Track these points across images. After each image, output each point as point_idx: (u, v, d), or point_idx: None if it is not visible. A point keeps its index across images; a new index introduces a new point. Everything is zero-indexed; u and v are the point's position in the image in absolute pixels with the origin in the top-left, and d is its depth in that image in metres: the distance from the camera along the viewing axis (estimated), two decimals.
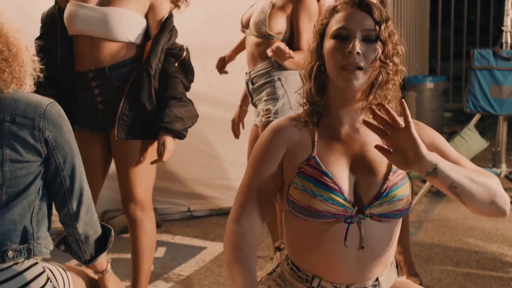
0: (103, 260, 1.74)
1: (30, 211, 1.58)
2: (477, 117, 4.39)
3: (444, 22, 8.34)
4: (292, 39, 2.58)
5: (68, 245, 1.69)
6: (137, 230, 2.34)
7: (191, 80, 2.37)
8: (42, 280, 1.58)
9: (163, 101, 2.25)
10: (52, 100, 1.61)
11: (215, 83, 3.82)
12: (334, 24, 1.46)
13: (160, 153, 2.22)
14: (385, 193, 1.42)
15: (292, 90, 2.55)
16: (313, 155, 1.45)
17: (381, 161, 1.45)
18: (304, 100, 1.53)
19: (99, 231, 1.71)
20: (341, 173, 1.44)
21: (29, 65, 1.59)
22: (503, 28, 4.28)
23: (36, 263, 1.58)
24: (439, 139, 1.51)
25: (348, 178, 1.44)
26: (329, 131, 1.49)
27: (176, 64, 2.28)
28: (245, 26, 2.72)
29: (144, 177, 2.32)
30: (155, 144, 2.29)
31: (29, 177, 1.56)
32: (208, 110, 3.81)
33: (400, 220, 1.50)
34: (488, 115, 4.54)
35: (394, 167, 1.44)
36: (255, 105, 2.69)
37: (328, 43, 1.46)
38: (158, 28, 2.27)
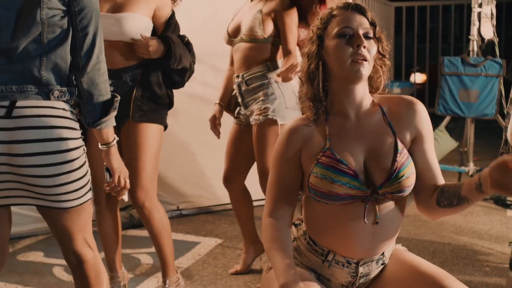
0: (109, 131, 1.81)
1: (68, 58, 1.70)
2: (447, 119, 4.68)
3: (408, 30, 8.69)
4: (277, 39, 2.77)
5: (80, 107, 1.77)
6: (148, 219, 2.49)
7: (194, 62, 2.54)
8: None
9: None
10: None
11: (198, 86, 3.98)
12: (336, 26, 1.64)
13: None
14: (395, 173, 1.60)
15: (286, 91, 2.77)
16: (327, 147, 1.63)
17: (387, 145, 1.63)
18: (308, 102, 1.69)
19: (106, 96, 1.77)
20: (354, 159, 1.62)
21: None
22: (470, 37, 4.57)
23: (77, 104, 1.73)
24: (429, 135, 1.70)
25: (360, 162, 1.63)
26: (338, 124, 1.67)
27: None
28: (232, 36, 2.88)
29: (148, 165, 2.44)
30: (161, 134, 2.47)
31: (60, 24, 1.68)
32: (194, 111, 3.98)
33: (407, 196, 1.70)
34: (457, 117, 4.75)
35: (400, 148, 1.62)
36: (246, 106, 2.85)
37: (333, 42, 1.63)
38: (163, 27, 2.45)
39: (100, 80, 1.75)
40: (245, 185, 3.07)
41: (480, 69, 4.47)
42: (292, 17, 2.74)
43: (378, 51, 1.67)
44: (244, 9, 2.89)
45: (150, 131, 2.44)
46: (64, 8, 1.68)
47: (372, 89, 1.72)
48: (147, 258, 3.31)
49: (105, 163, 1.88)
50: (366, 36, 1.64)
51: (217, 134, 3.02)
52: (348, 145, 1.64)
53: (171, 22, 2.49)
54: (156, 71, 2.43)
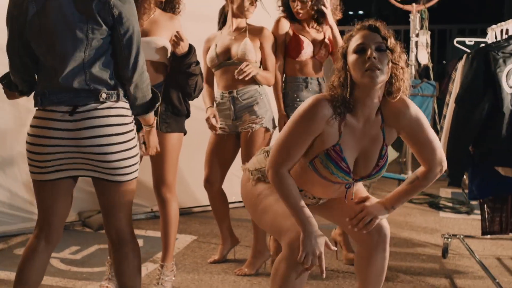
0: (150, 116, 2.33)
1: (110, 68, 2.10)
2: None
3: None
4: (260, 64, 3.34)
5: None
6: (167, 208, 2.97)
7: (203, 79, 3.03)
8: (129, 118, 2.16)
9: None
10: None
11: None
12: (353, 44, 2.01)
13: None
14: (374, 173, 2.14)
15: (269, 104, 3.34)
16: (339, 143, 2.03)
17: (376, 150, 2.10)
18: (338, 101, 2.02)
19: (148, 96, 2.20)
20: (352, 158, 2.09)
21: None
22: (408, 62, 5.19)
23: (115, 107, 2.11)
24: (417, 128, 2.10)
25: (354, 160, 2.10)
26: (350, 125, 2.04)
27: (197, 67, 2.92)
28: (221, 59, 3.33)
29: (171, 165, 2.94)
30: (181, 139, 2.94)
31: (103, 43, 2.07)
32: None
33: None
34: None
35: (383, 153, 2.08)
36: (236, 116, 3.32)
37: (351, 57, 2.00)
38: None
39: (143, 85, 2.17)
40: (222, 188, 3.53)
41: (417, 90, 5.10)
42: (271, 45, 3.33)
43: (391, 60, 1.99)
44: (225, 37, 3.37)
45: (173, 139, 2.91)
46: (109, 30, 2.10)
47: (393, 93, 2.03)
48: None
49: (143, 138, 2.47)
50: (379, 49, 1.97)
51: (216, 129, 3.38)
52: (352, 145, 2.08)
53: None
54: (175, 88, 2.87)
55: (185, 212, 4.65)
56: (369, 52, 1.96)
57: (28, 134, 2.15)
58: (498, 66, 3.08)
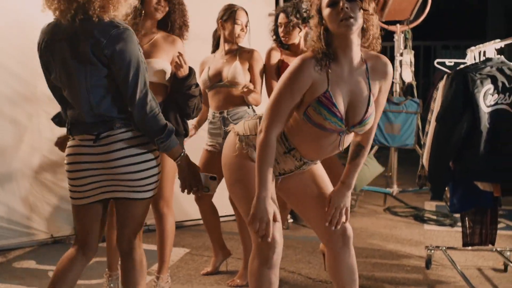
0: (173, 151, 2.32)
1: (119, 102, 2.24)
2: (375, 148, 5.46)
3: None
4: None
5: None
6: (164, 222, 3.11)
7: (202, 101, 3.16)
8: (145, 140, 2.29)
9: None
10: (124, 27, 2.20)
11: None
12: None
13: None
14: (364, 120, 2.27)
15: None
16: (328, 90, 2.18)
17: (364, 98, 2.24)
18: (320, 53, 2.19)
19: (156, 128, 2.23)
20: (342, 106, 2.24)
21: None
22: (393, 80, 5.38)
23: (132, 130, 2.27)
24: (387, 89, 2.33)
25: (344, 107, 2.25)
26: (336, 73, 2.20)
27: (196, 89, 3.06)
28: (213, 81, 3.50)
29: (169, 182, 3.08)
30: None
31: (105, 81, 2.21)
32: None
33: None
34: (383, 147, 5.52)
35: (371, 102, 2.24)
36: (227, 136, 3.49)
37: (326, 11, 2.17)
38: None
39: (144, 119, 2.23)
40: (212, 201, 3.67)
41: (402, 107, 5.27)
42: (260, 67, 3.51)
43: (362, 8, 2.16)
44: (218, 60, 3.55)
45: (165, 161, 3.00)
46: (106, 69, 2.22)
47: (365, 40, 2.22)
48: None
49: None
50: (349, 0, 2.15)
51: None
52: (340, 92, 2.22)
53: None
54: (173, 109, 3.02)
55: (177, 226, 4.67)
56: (341, 4, 2.15)
57: (65, 163, 2.36)
58: (476, 87, 3.27)
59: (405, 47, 5.38)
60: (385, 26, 5.14)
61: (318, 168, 2.52)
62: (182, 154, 2.38)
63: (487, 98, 3.29)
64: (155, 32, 3.08)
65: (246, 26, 3.50)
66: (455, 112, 3.30)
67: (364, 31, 2.22)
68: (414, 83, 5.34)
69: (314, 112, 2.22)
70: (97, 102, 2.25)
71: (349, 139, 2.39)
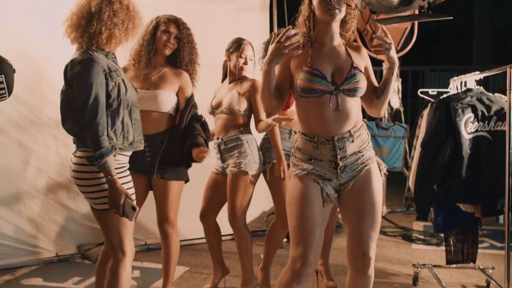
0: (105, 173, 2.55)
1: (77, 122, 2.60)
2: None
3: None
4: (247, 112, 3.72)
5: None
6: (169, 241, 3.34)
7: (208, 137, 3.40)
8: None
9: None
10: (87, 58, 2.56)
11: None
12: None
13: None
14: (350, 77, 2.53)
15: (254, 149, 3.69)
16: (309, 61, 2.54)
17: (347, 64, 2.56)
18: (305, 36, 2.59)
19: (93, 147, 2.51)
20: (325, 69, 2.54)
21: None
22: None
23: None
24: (370, 67, 2.65)
25: (329, 72, 2.54)
26: (317, 49, 2.58)
27: (198, 125, 3.32)
28: (215, 108, 3.77)
29: (174, 205, 3.32)
30: (182, 185, 3.31)
31: (73, 101, 2.58)
32: None
33: (359, 101, 2.61)
34: None
35: (355, 65, 2.55)
36: (223, 160, 3.72)
37: (315, 1, 2.55)
38: (184, 103, 3.32)
39: (95, 143, 2.52)
40: (216, 220, 3.88)
41: (390, 132, 5.52)
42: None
43: (346, 3, 2.57)
44: (223, 89, 3.81)
45: (174, 186, 3.27)
46: (72, 91, 2.59)
47: (345, 31, 2.64)
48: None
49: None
50: None
51: None
52: (322, 62, 2.56)
53: (190, 101, 3.37)
54: (176, 139, 3.26)
55: None
56: None
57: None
58: (458, 116, 3.54)
59: None
60: (374, 55, 5.39)
61: (366, 205, 2.65)
62: (110, 178, 2.56)
63: (468, 126, 3.55)
64: (163, 66, 3.34)
65: (250, 60, 3.75)
66: (439, 139, 3.56)
67: (344, 22, 2.65)
68: (401, 109, 5.59)
69: (302, 81, 2.52)
70: (66, 121, 2.70)
71: (349, 106, 2.55)
